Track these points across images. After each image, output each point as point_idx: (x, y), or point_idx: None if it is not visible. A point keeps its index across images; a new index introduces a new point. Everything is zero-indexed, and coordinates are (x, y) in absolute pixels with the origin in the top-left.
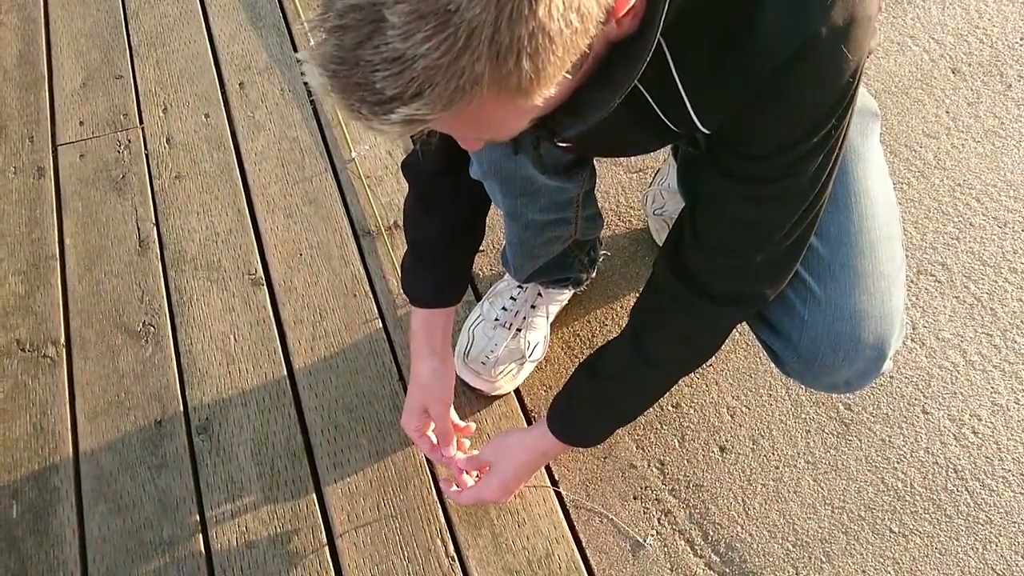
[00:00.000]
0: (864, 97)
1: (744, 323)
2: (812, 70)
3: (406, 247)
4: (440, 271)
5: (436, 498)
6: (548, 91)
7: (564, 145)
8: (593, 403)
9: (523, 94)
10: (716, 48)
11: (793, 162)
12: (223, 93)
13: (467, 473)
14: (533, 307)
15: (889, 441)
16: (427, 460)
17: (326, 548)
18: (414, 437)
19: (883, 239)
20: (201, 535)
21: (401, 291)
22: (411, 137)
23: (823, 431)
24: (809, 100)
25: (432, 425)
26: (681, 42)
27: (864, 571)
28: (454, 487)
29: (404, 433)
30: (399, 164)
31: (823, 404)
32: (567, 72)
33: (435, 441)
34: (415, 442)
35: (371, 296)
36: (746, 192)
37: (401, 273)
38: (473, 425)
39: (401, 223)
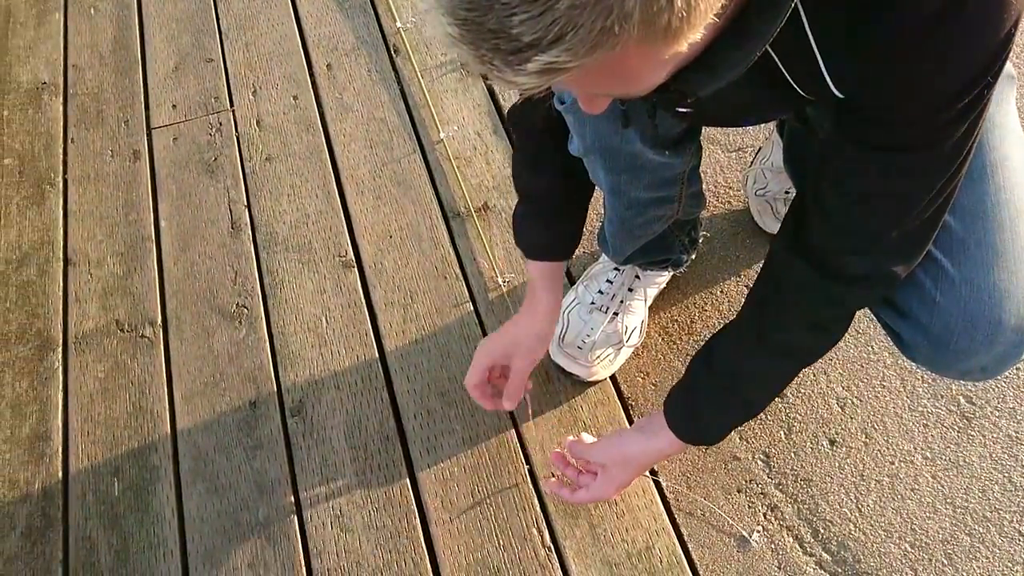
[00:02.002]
0: None
1: None
2: (969, 20)
3: (518, 200)
4: (561, 221)
5: (531, 486)
6: (695, 35)
7: (681, 111)
8: (717, 399)
9: (671, 37)
10: (858, 1)
11: (939, 127)
12: (311, 75)
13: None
14: (631, 290)
15: (1017, 437)
16: (522, 448)
17: (420, 533)
18: (475, 380)
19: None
20: (296, 517)
21: (493, 274)
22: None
23: (942, 425)
24: (964, 54)
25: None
26: None
27: None
28: (552, 479)
29: (476, 370)
30: (490, 133)
31: (942, 396)
32: (715, 14)
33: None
34: (472, 384)
35: (462, 279)
36: (884, 163)
37: (514, 226)
38: (530, 384)
39: (492, 203)
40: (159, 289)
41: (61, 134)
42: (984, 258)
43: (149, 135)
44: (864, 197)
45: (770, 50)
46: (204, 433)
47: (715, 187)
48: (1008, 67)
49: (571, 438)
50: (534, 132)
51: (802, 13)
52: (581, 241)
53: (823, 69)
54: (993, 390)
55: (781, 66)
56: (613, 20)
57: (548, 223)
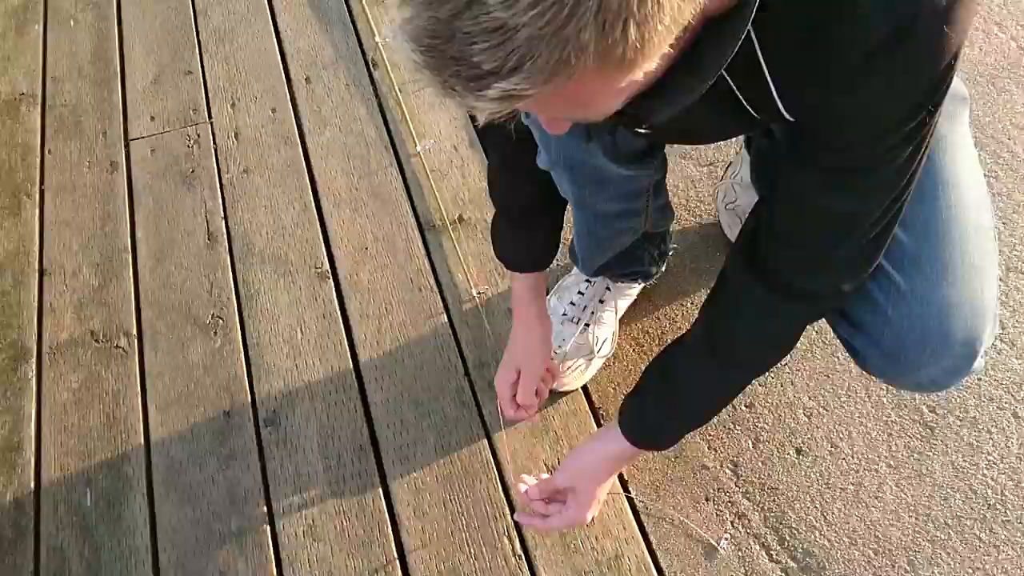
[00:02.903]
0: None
1: (822, 320)
2: (911, 52)
3: (496, 214)
4: (540, 234)
5: (502, 496)
6: (650, 64)
7: (641, 131)
8: (666, 405)
9: (626, 67)
10: (806, 30)
11: (883, 151)
12: (289, 88)
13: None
14: (601, 302)
15: (977, 446)
16: (494, 458)
17: (392, 542)
18: (506, 397)
19: (973, 229)
20: (269, 527)
21: (467, 285)
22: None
23: (906, 434)
24: (906, 85)
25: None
26: (769, 24)
27: None
28: (523, 511)
29: (500, 391)
30: (466, 147)
31: (906, 406)
32: (670, 45)
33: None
34: (504, 401)
35: (436, 290)
36: (831, 183)
37: (493, 239)
38: (546, 391)
39: (468, 215)
40: (135, 300)
41: (39, 145)
42: (934, 273)
43: (127, 146)
44: (812, 215)
45: (725, 76)
46: (178, 443)
47: (686, 200)
48: (961, 88)
49: (530, 482)
50: (505, 143)
51: (755, 42)
52: None
53: (774, 94)
54: (955, 400)
55: (736, 91)
56: (569, 51)
57: (527, 234)
